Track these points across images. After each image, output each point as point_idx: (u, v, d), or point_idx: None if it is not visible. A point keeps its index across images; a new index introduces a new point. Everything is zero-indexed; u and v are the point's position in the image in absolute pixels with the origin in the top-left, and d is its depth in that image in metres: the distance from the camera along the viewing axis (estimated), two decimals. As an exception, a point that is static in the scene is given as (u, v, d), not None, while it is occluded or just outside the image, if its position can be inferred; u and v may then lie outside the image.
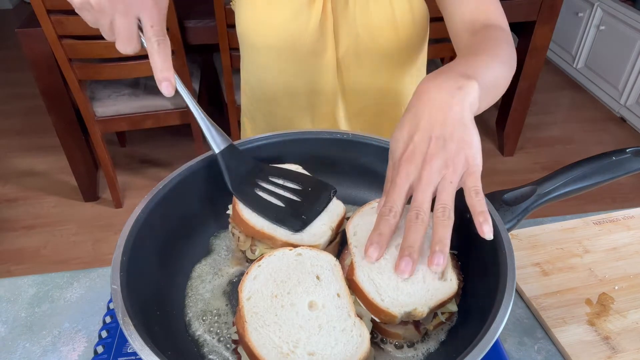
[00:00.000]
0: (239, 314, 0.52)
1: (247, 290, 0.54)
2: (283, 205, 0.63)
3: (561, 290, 0.72)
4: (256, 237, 0.62)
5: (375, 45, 0.83)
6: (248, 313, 0.51)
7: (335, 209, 0.66)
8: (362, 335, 0.51)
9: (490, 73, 0.59)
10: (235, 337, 0.55)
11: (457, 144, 0.50)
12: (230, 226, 0.68)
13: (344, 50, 0.84)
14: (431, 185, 0.49)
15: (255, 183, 0.64)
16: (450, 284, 0.55)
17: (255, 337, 0.49)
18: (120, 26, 0.54)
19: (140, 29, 0.56)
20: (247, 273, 0.55)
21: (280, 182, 0.65)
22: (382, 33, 0.82)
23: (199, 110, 0.61)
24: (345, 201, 0.67)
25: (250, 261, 0.65)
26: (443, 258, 0.48)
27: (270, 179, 0.65)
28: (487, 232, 0.49)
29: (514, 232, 0.75)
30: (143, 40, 0.56)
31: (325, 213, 0.65)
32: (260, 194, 0.64)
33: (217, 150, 0.63)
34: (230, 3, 0.88)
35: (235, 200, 0.63)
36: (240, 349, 0.53)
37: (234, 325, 0.56)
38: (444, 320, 0.57)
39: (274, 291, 0.54)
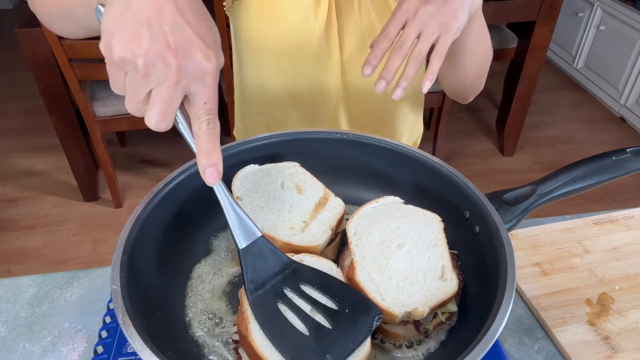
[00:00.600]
0: (241, 315, 0.52)
1: None
2: (307, 332, 0.49)
3: (561, 290, 0.72)
4: None
5: None
6: (251, 315, 0.51)
7: (335, 207, 0.66)
8: None
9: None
10: (236, 337, 0.55)
11: (450, 8, 0.59)
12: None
13: (349, 53, 0.84)
14: (419, 26, 0.58)
15: (280, 291, 0.52)
16: (450, 284, 0.55)
17: (259, 338, 0.49)
18: (162, 97, 0.42)
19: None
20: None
21: (311, 292, 0.53)
22: None
23: (230, 199, 0.51)
24: (345, 201, 0.67)
25: None
26: (402, 89, 0.58)
27: (300, 286, 0.53)
28: (425, 86, 0.58)
29: (514, 232, 0.75)
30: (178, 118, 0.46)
31: (324, 212, 0.65)
32: (283, 307, 0.51)
33: (240, 246, 0.52)
34: (224, 7, 0.87)
35: (237, 201, 0.63)
36: (240, 350, 0.53)
37: (234, 325, 0.56)
38: (443, 320, 0.57)
39: None
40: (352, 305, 0.51)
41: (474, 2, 0.62)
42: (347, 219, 0.64)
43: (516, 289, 0.72)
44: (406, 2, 0.60)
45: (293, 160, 0.72)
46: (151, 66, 0.40)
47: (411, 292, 0.54)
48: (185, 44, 0.41)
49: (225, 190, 0.51)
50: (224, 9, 0.87)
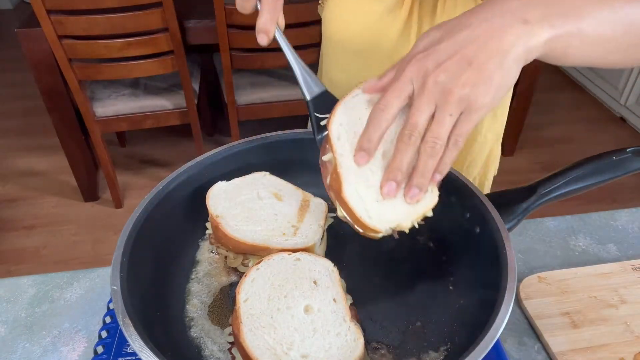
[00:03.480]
0: (235, 315, 0.53)
1: (245, 292, 0.54)
2: None
3: (592, 346, 0.64)
4: (248, 251, 0.62)
5: None
6: (244, 314, 0.52)
7: (318, 207, 0.66)
8: (356, 340, 0.51)
9: (603, 23, 0.45)
10: (230, 339, 0.55)
11: (478, 75, 0.42)
12: (212, 247, 0.67)
13: None
14: (431, 103, 0.43)
15: None
16: (431, 196, 0.51)
17: (250, 338, 0.50)
18: None
19: None
20: (245, 275, 0.56)
21: None
22: None
23: (294, 54, 0.59)
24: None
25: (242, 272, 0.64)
26: (419, 193, 0.47)
27: None
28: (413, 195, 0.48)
29: (542, 274, 0.73)
30: None
31: (310, 213, 0.65)
32: None
33: (308, 97, 0.60)
34: (319, 7, 0.89)
35: (218, 220, 0.62)
36: (234, 350, 0.53)
37: (230, 325, 0.56)
38: (417, 226, 0.52)
39: (270, 294, 0.54)
40: None
41: (527, 54, 0.43)
42: (332, 216, 0.64)
43: (541, 342, 0.67)
44: (412, 66, 0.44)
45: (291, 160, 0.72)
46: None
47: (394, 205, 0.50)
48: None
49: (292, 51, 0.59)
50: (318, 9, 0.90)
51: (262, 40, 0.56)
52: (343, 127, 0.53)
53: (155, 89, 2.11)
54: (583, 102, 3.14)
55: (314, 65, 0.84)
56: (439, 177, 0.47)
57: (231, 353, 0.54)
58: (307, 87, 0.59)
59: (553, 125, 2.91)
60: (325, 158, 0.54)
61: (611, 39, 0.46)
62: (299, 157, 0.73)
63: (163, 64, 1.91)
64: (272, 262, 0.58)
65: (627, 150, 0.64)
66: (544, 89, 3.21)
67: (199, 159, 0.67)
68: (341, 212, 0.52)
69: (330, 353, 0.49)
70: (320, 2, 0.89)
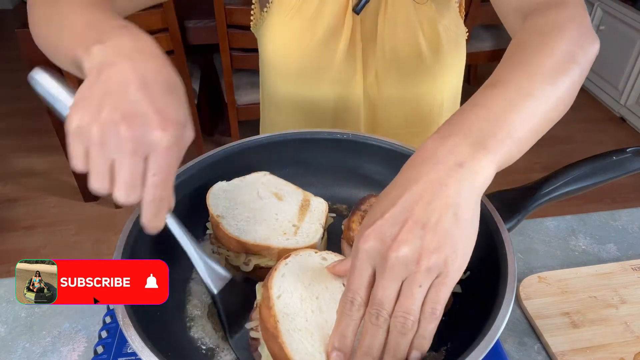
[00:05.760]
0: (267, 312, 0.50)
1: (277, 287, 0.51)
2: None
3: (592, 346, 0.64)
4: (250, 251, 0.62)
5: (402, 68, 0.81)
6: (280, 313, 0.49)
7: (319, 206, 0.66)
8: None
9: (530, 118, 0.46)
10: (255, 334, 0.53)
11: (439, 238, 0.39)
12: (212, 247, 0.66)
13: (372, 75, 0.82)
14: (396, 278, 0.40)
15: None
16: None
17: (289, 340, 0.47)
18: (123, 166, 0.41)
19: None
20: (275, 269, 0.53)
21: None
22: (409, 56, 0.80)
23: (196, 248, 0.54)
24: (342, 202, 0.68)
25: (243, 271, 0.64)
26: None
27: None
28: None
29: (542, 274, 0.73)
30: None
31: (310, 213, 0.65)
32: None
33: (215, 291, 0.55)
34: (251, 25, 0.86)
35: (219, 220, 0.62)
36: (261, 348, 0.51)
37: (251, 320, 0.55)
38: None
39: (302, 293, 0.52)
40: None
41: (477, 190, 0.42)
42: (332, 216, 0.65)
43: (541, 342, 0.66)
44: (362, 242, 0.41)
45: (292, 160, 0.72)
46: (106, 134, 0.40)
47: None
48: (141, 116, 0.40)
49: (192, 242, 0.54)
50: (250, 27, 0.86)
51: (153, 232, 0.46)
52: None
53: (155, 89, 2.11)
54: (583, 102, 3.14)
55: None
56: (416, 356, 0.43)
57: (255, 350, 0.52)
58: (212, 280, 0.54)
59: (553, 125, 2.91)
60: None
61: (543, 123, 0.48)
62: (299, 157, 0.73)
63: (163, 64, 1.91)
64: (300, 258, 0.55)
65: (627, 150, 0.65)
66: (544, 89, 3.20)
67: (199, 159, 0.67)
68: None
69: None
70: (252, 18, 0.85)
